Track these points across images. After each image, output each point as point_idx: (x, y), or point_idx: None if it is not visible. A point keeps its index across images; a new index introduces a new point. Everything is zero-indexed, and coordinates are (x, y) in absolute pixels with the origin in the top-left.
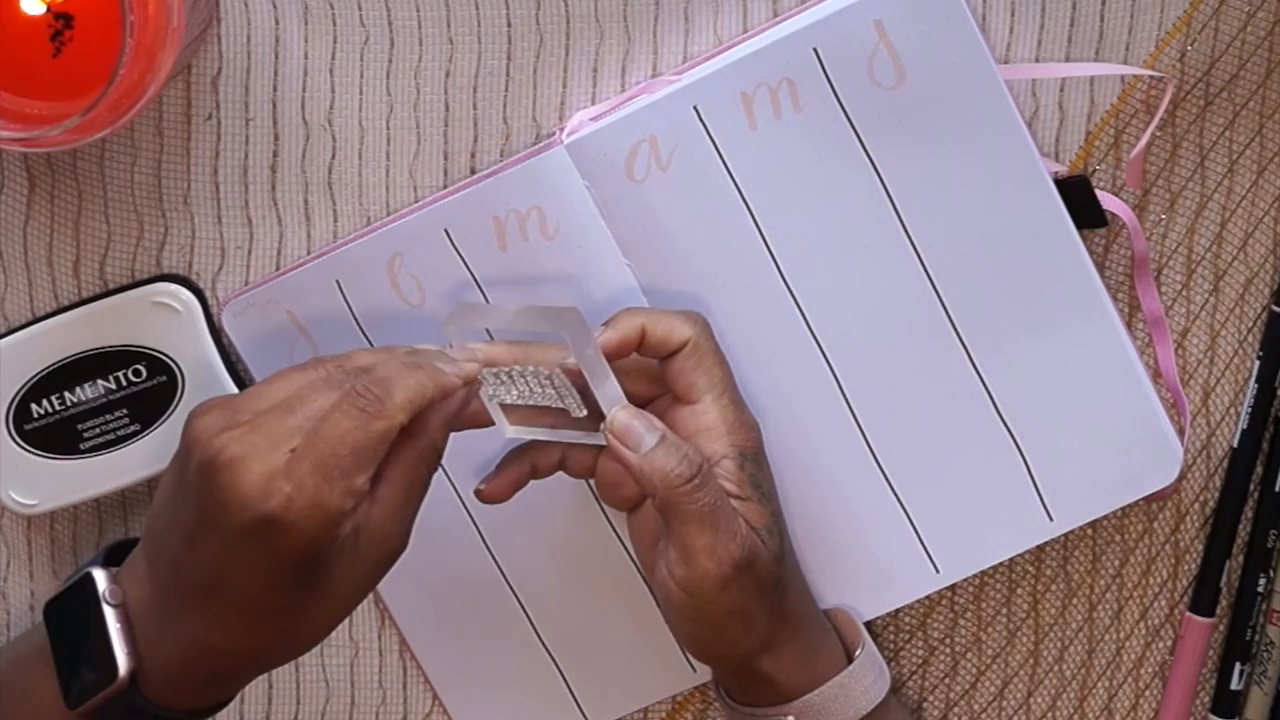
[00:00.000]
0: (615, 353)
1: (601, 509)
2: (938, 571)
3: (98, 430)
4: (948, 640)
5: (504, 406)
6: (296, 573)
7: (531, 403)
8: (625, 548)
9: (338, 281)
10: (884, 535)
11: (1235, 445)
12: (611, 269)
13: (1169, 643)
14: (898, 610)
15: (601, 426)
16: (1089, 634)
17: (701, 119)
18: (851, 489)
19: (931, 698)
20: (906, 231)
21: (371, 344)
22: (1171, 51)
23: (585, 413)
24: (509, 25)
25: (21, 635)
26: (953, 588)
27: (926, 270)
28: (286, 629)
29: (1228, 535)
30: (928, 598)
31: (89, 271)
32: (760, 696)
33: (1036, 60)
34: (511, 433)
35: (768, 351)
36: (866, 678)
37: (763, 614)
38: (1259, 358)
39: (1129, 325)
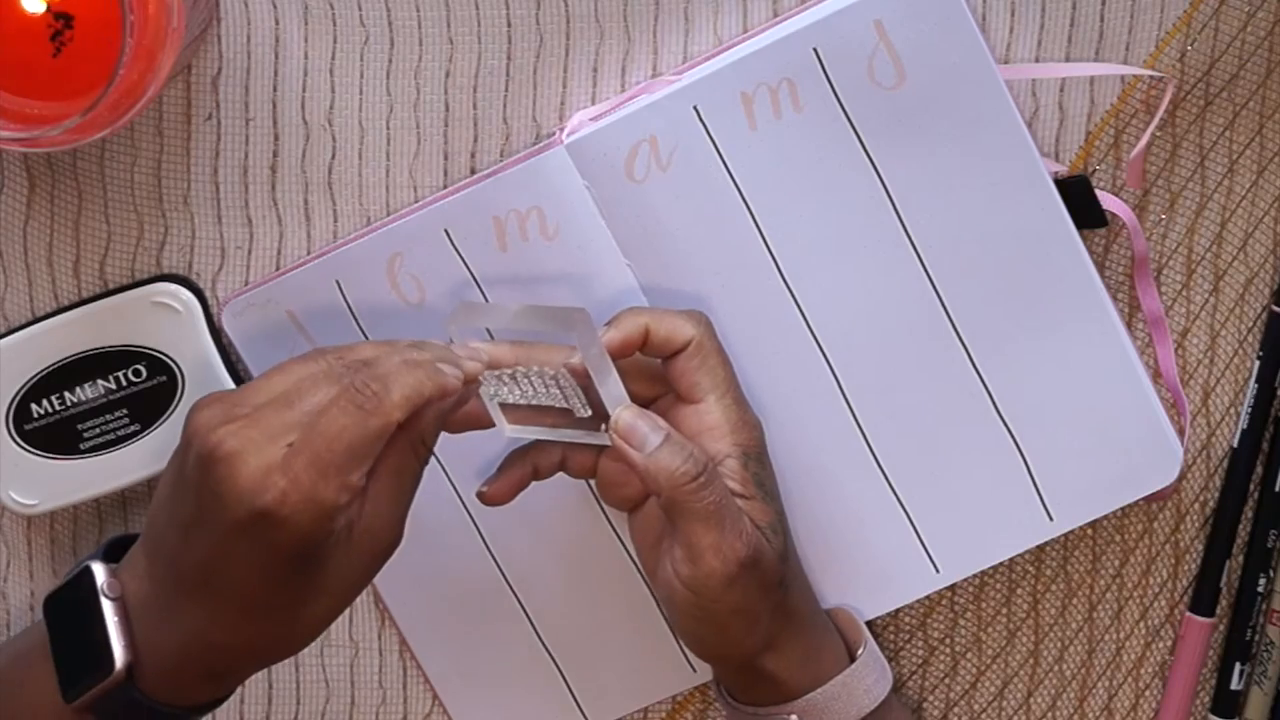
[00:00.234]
0: (619, 352)
1: (602, 509)
2: (938, 571)
3: (98, 430)
4: (948, 640)
5: (503, 406)
6: (292, 567)
7: (534, 403)
8: (625, 548)
9: (338, 281)
10: (884, 535)
11: (1235, 445)
12: (611, 269)
13: (1169, 643)
14: (898, 610)
15: (605, 426)
16: (1089, 634)
17: (701, 119)
18: (851, 489)
19: (931, 698)
20: (906, 231)
21: None
22: (1171, 51)
23: (589, 413)
24: (509, 25)
25: (22, 632)
26: (953, 588)
27: (926, 270)
28: (283, 623)
29: (1228, 535)
30: (928, 598)
31: (89, 271)
32: (763, 695)
33: (1036, 60)
34: (511, 432)
35: (767, 351)
36: (869, 677)
37: (766, 613)
38: (1259, 358)
39: (1129, 325)
